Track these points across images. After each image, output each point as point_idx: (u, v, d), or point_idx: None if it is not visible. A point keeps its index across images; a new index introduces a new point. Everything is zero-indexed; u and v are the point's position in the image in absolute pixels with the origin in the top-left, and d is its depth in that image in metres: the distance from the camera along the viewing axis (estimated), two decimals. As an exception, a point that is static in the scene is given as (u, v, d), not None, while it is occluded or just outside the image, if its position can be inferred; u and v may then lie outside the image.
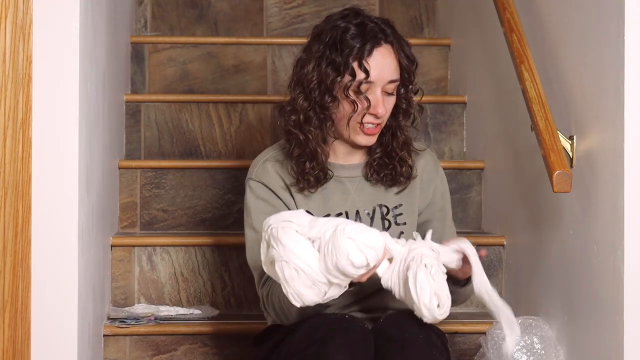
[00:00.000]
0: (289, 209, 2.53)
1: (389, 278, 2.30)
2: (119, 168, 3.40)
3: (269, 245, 2.27)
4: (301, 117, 2.50)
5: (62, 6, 2.45)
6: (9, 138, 2.41)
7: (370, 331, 2.37)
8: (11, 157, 2.41)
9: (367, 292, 2.53)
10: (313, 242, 2.24)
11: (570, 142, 2.71)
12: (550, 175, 2.62)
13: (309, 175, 2.51)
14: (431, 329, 2.36)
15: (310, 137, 2.50)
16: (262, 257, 2.30)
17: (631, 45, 2.45)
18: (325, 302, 2.27)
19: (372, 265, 2.24)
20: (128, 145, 3.62)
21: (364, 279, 2.28)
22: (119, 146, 3.47)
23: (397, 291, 2.30)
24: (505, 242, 3.29)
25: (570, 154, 2.70)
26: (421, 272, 2.25)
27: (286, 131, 2.54)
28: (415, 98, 2.56)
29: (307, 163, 2.51)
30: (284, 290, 2.24)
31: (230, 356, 2.99)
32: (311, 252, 2.23)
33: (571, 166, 2.69)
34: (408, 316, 2.36)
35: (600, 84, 2.57)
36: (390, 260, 2.30)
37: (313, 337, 2.32)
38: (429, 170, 2.62)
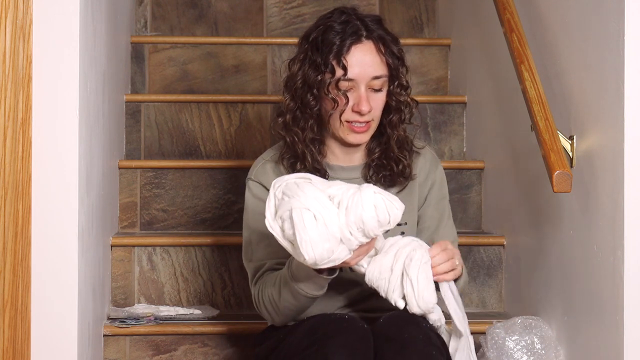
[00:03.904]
0: None
1: (373, 271, 2.29)
2: (119, 168, 3.40)
3: (281, 199, 2.23)
4: (287, 117, 2.51)
5: (62, 6, 2.45)
6: (9, 138, 2.41)
7: (370, 331, 2.37)
8: (11, 157, 2.41)
9: (366, 292, 2.53)
10: (332, 199, 2.23)
11: (570, 142, 2.71)
12: (550, 175, 2.62)
13: None
14: (431, 330, 2.36)
15: (296, 138, 2.50)
16: (268, 214, 2.25)
17: (631, 45, 2.45)
18: (328, 264, 2.22)
19: (392, 225, 2.24)
20: (128, 145, 3.62)
21: (362, 253, 2.27)
22: (119, 146, 3.47)
23: (383, 286, 2.29)
24: (505, 242, 3.29)
25: (570, 154, 2.70)
26: (415, 263, 2.27)
27: (278, 134, 2.56)
28: (420, 97, 2.57)
29: (298, 164, 2.52)
30: (297, 240, 2.19)
31: (230, 356, 2.99)
32: (331, 205, 2.21)
33: (571, 166, 2.69)
34: (408, 316, 2.36)
35: (600, 84, 2.57)
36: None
37: (313, 337, 2.32)
38: (427, 166, 2.62)
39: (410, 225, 2.57)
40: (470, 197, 3.54)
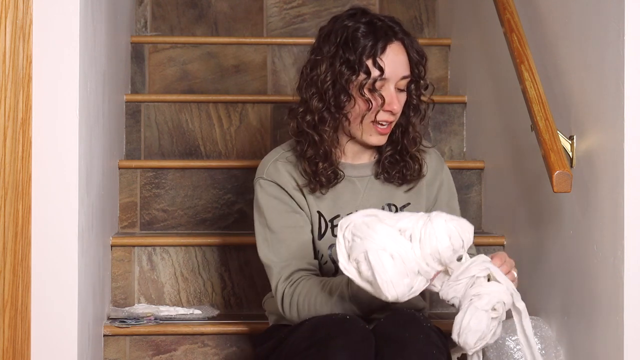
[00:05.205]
0: (302, 209, 2.54)
1: (447, 293, 2.28)
2: (119, 168, 3.40)
3: (352, 241, 2.22)
4: (316, 117, 2.51)
5: (62, 6, 2.45)
6: (9, 138, 2.41)
7: (371, 331, 2.37)
8: (11, 157, 2.41)
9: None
10: (402, 233, 2.22)
11: (570, 142, 2.71)
12: (550, 175, 2.62)
13: (321, 175, 2.52)
14: (431, 329, 2.36)
15: (325, 137, 2.51)
16: (341, 257, 2.23)
17: (631, 45, 2.45)
18: (408, 297, 2.22)
19: (465, 250, 2.23)
20: (128, 145, 3.62)
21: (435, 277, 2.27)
22: (119, 146, 3.47)
23: (457, 303, 2.29)
24: (505, 242, 3.29)
25: (570, 154, 2.70)
26: (482, 312, 2.25)
27: (299, 132, 2.54)
28: (426, 97, 2.59)
29: (321, 163, 2.52)
30: (378, 282, 2.18)
31: (230, 356, 2.99)
32: (404, 240, 2.20)
33: (571, 166, 2.69)
34: (408, 316, 2.36)
35: (600, 84, 2.57)
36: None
37: (314, 338, 2.32)
38: (434, 167, 2.63)
39: None
40: (470, 197, 3.54)
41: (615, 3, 2.48)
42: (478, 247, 3.28)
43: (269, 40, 3.95)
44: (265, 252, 2.54)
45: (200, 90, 3.86)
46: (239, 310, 3.21)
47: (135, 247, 3.20)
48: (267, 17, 4.13)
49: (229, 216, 3.42)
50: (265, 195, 2.56)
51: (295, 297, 2.45)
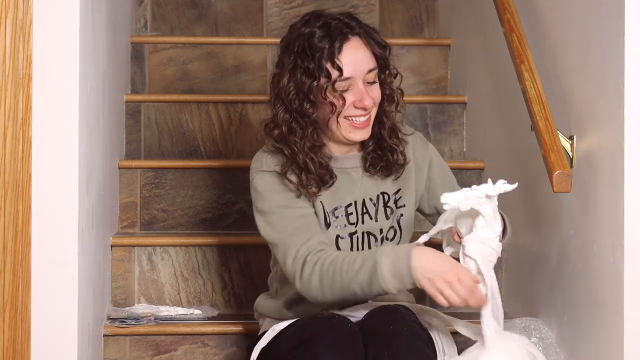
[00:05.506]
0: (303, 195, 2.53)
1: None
2: (119, 168, 3.40)
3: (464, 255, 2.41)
4: (284, 129, 2.49)
5: (62, 6, 2.45)
6: (9, 138, 2.41)
7: (358, 329, 2.37)
8: (11, 157, 2.41)
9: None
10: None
11: (570, 142, 2.71)
12: (550, 175, 2.62)
13: (309, 187, 2.50)
14: (415, 322, 2.38)
15: (296, 148, 2.49)
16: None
17: (631, 45, 2.45)
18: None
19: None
20: (128, 145, 3.62)
21: None
22: (119, 146, 3.47)
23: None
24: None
25: (570, 154, 2.70)
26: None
27: (274, 147, 2.53)
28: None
29: (303, 175, 2.50)
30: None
31: (230, 356, 2.99)
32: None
33: (571, 166, 2.69)
34: (391, 310, 2.38)
35: (600, 84, 2.57)
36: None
37: (300, 337, 2.33)
38: (419, 149, 2.64)
39: (409, 207, 2.61)
40: (470, 197, 3.53)
41: (615, 3, 2.48)
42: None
43: (269, 40, 3.95)
44: (270, 233, 2.49)
45: (200, 90, 3.86)
46: (239, 310, 3.21)
47: (135, 247, 3.20)
48: (267, 17, 4.13)
49: (229, 216, 3.42)
50: (268, 184, 2.51)
51: (320, 263, 2.38)
